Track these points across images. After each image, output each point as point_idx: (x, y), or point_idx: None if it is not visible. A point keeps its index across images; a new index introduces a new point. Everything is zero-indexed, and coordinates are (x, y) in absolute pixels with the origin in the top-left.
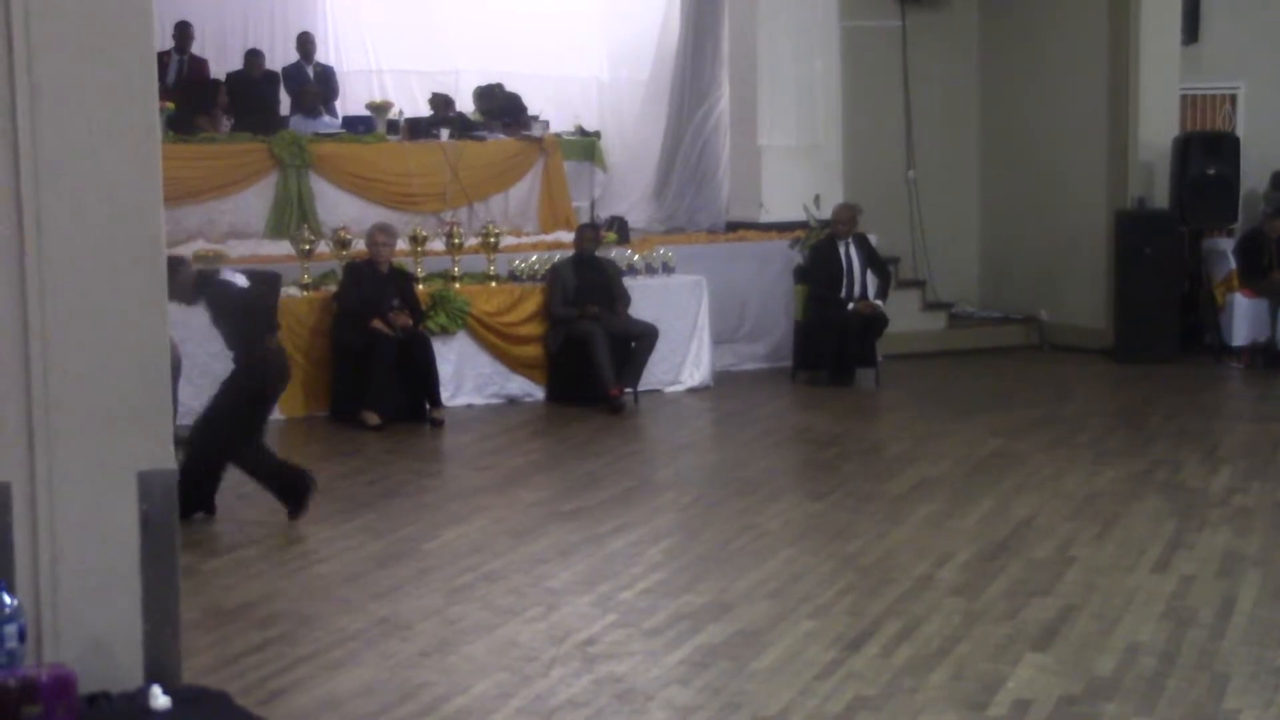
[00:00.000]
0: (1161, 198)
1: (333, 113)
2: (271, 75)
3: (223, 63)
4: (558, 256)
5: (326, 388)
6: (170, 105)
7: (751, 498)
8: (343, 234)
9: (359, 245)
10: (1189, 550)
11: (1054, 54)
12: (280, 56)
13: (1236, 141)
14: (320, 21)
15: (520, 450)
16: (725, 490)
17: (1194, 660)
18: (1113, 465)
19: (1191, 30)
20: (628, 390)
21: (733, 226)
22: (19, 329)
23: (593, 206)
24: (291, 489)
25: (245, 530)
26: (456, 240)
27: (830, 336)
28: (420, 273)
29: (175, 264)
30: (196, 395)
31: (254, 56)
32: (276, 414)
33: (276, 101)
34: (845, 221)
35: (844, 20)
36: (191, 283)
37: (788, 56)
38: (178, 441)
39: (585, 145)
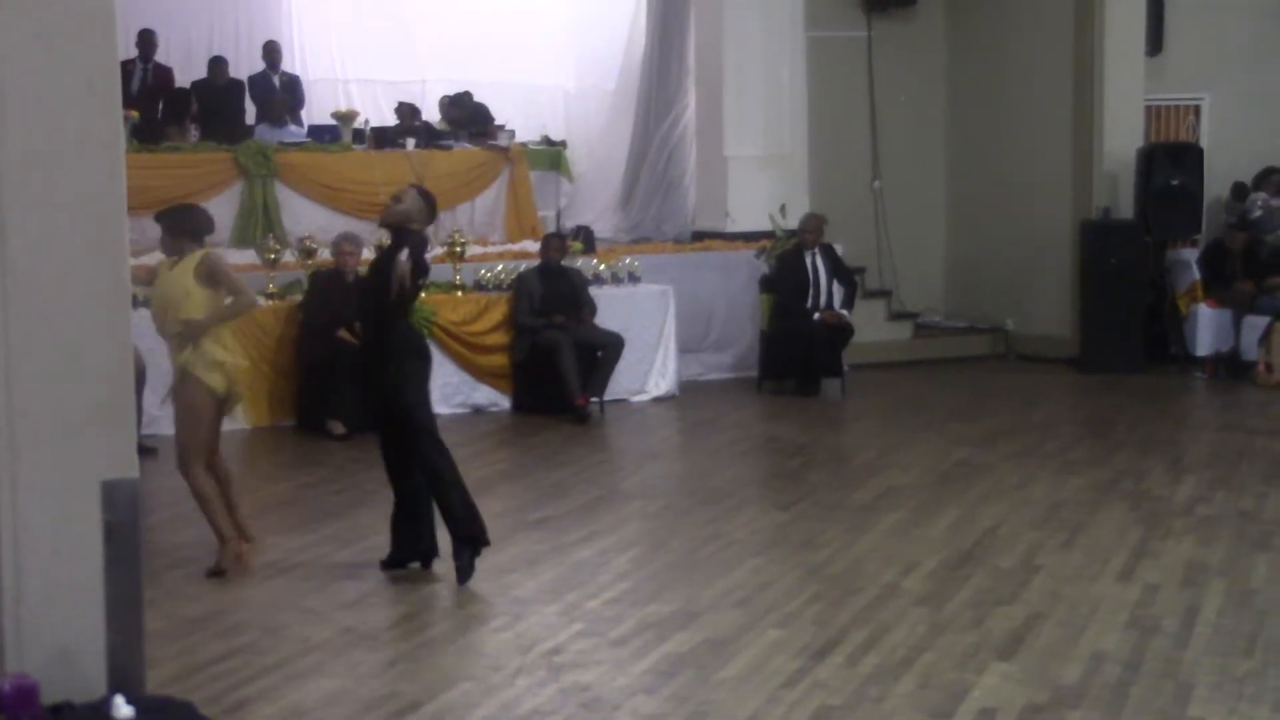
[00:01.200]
0: (1126, 208)
1: (298, 122)
2: (236, 83)
3: (187, 71)
4: (523, 266)
5: (292, 397)
6: (134, 114)
7: (718, 507)
8: (308, 243)
9: (325, 255)
10: (1154, 559)
11: (1019, 65)
12: (245, 65)
13: (1200, 152)
14: (286, 30)
15: (487, 460)
16: (692, 499)
17: (1158, 669)
18: (1078, 474)
19: (1156, 41)
20: (594, 400)
21: (699, 236)
22: None
23: (559, 216)
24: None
25: (210, 539)
26: None
27: (796, 346)
28: None
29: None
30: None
31: (218, 64)
32: (242, 423)
33: (241, 110)
34: (813, 231)
35: (810, 30)
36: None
37: (754, 66)
38: (142, 450)
39: (551, 155)
